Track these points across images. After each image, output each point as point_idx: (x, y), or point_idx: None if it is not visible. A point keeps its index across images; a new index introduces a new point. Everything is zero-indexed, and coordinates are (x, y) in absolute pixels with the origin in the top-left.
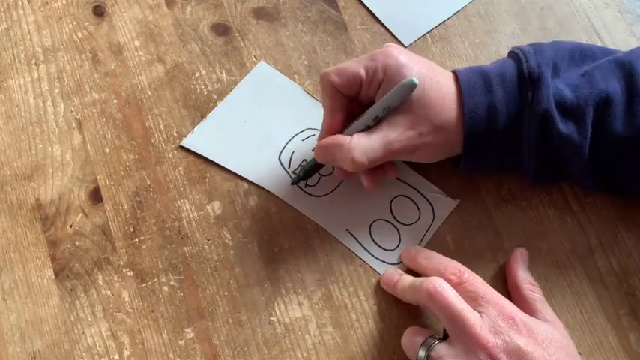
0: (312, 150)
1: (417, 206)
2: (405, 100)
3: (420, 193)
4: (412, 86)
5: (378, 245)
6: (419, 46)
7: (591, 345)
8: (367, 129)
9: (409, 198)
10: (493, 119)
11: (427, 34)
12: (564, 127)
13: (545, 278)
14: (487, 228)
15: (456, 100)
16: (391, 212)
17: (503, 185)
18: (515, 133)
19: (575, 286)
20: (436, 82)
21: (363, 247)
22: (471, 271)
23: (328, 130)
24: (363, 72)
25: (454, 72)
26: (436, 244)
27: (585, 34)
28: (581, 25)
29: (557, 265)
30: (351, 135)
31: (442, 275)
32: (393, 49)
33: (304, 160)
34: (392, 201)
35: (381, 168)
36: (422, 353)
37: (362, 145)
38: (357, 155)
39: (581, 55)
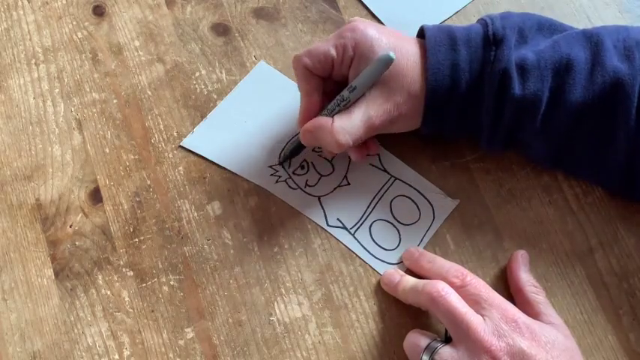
0: (297, 135)
1: (417, 206)
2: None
3: (420, 192)
4: (389, 61)
5: (378, 245)
6: None
7: (591, 345)
8: (345, 107)
9: (409, 198)
10: (456, 77)
11: None
12: (521, 88)
13: (545, 278)
14: (487, 228)
15: (423, 63)
16: (391, 212)
17: (503, 185)
18: (476, 93)
19: (575, 286)
20: (406, 51)
21: (363, 247)
22: (474, 275)
23: (306, 112)
24: (333, 51)
25: (423, 28)
26: (436, 243)
27: None
28: (581, 25)
29: (557, 265)
30: (330, 115)
31: (444, 278)
32: (360, 23)
33: (290, 139)
34: (392, 201)
35: (364, 144)
36: (426, 358)
37: (344, 126)
38: (340, 138)
39: (550, 27)
